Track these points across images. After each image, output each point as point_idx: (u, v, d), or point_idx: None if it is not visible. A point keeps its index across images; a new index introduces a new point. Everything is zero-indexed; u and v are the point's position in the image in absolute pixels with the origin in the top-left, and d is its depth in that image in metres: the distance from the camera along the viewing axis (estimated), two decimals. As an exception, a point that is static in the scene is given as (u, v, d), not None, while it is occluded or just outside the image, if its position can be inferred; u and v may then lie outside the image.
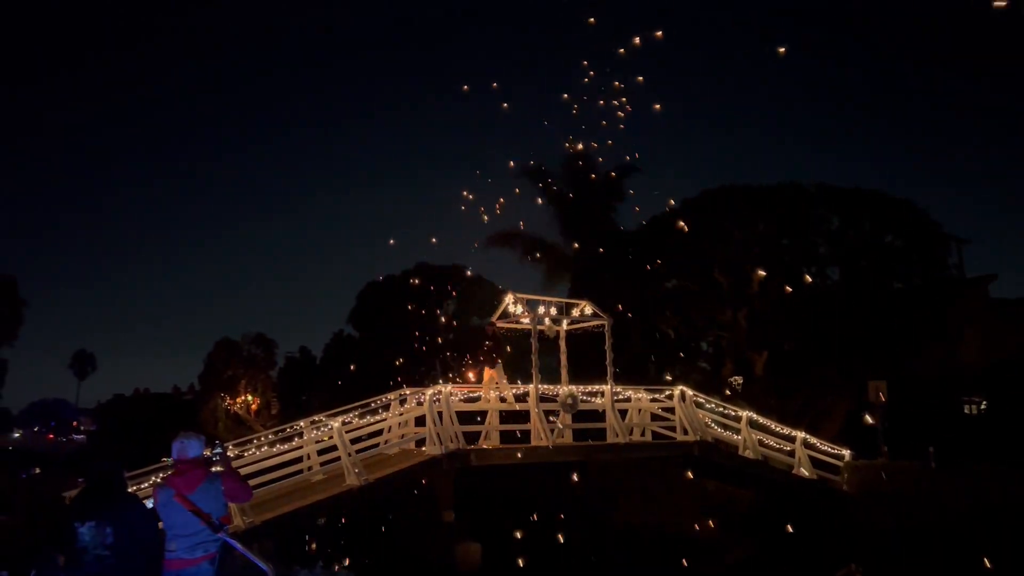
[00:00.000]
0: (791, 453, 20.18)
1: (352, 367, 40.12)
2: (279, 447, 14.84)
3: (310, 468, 15.36)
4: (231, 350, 45.75)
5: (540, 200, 34.22)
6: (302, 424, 15.67)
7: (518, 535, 18.54)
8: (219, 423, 42.62)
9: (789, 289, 26.78)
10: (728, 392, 26.31)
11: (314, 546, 19.55)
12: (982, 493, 17.66)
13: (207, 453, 6.62)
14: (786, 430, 20.51)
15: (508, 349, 19.27)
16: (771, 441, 20.28)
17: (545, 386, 18.02)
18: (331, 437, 15.07)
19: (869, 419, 21.41)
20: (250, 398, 45.74)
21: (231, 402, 44.71)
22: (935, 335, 25.79)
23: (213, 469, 6.50)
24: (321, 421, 15.51)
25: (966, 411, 27.14)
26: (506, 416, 18.30)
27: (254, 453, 14.43)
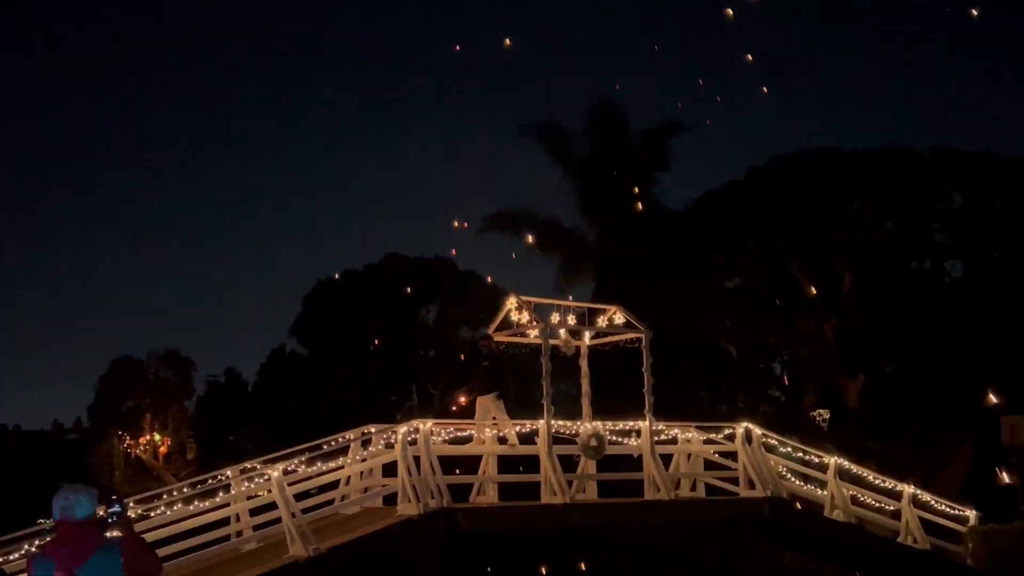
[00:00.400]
0: (896, 514, 20.19)
1: (297, 396, 40.28)
2: (198, 504, 14.84)
3: (240, 533, 15.33)
4: (132, 373, 45.96)
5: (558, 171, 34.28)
6: (229, 473, 15.66)
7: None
8: (116, 471, 42.79)
9: (894, 291, 26.87)
10: (810, 431, 26.36)
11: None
12: None
13: (101, 513, 6.62)
14: (889, 483, 20.51)
15: (510, 372, 19.30)
16: (869, 498, 20.28)
17: (561, 422, 18.02)
18: (269, 491, 15.06)
19: (1005, 476, 21.46)
20: (158, 438, 45.92)
21: (132, 443, 44.90)
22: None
23: (108, 534, 6.51)
24: (255, 470, 15.49)
25: None
26: (507, 463, 18.26)
27: (164, 513, 14.42)
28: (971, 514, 20.56)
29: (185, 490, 15.34)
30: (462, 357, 20.06)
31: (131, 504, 13.49)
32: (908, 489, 20.25)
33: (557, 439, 17.58)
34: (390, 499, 16.49)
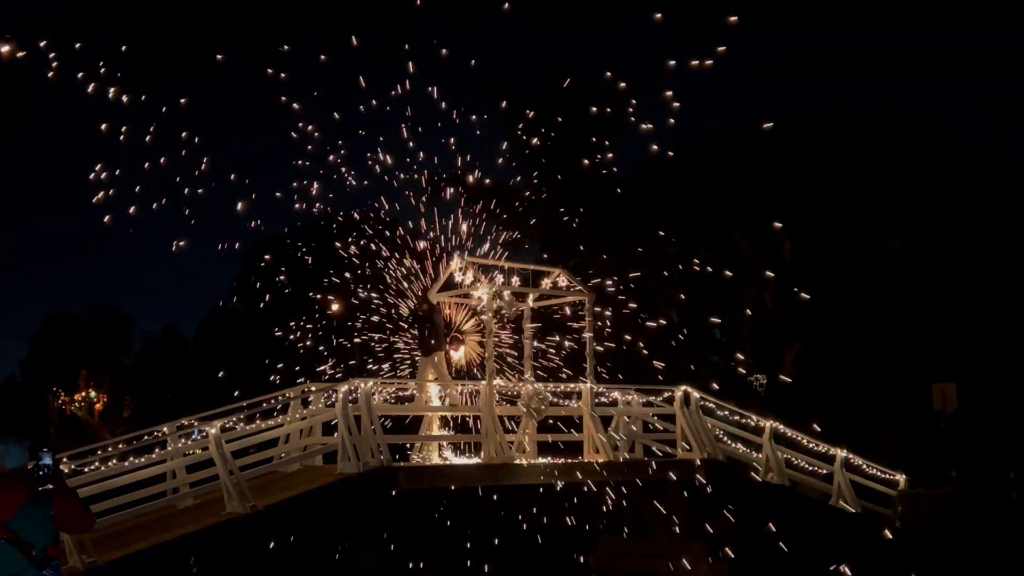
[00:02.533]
0: (828, 478, 20.61)
1: (237, 354, 39.93)
2: (133, 460, 14.70)
3: (176, 490, 15.24)
4: (68, 329, 45.21)
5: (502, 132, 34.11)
6: (166, 430, 15.53)
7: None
8: (50, 427, 42.12)
9: (834, 260, 27.25)
10: (748, 395, 26.74)
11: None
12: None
13: (31, 465, 6.54)
14: (823, 447, 20.92)
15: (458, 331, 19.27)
16: (802, 462, 20.66)
17: (503, 383, 18.11)
18: (206, 448, 14.96)
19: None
20: (94, 395, 45.31)
21: (67, 400, 44.26)
22: None
23: (40, 487, 6.42)
24: (193, 426, 15.37)
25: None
26: (449, 423, 18.33)
27: (98, 468, 14.27)
28: (901, 478, 21.08)
29: (121, 446, 15.20)
30: (407, 317, 19.92)
31: (64, 459, 13.32)
32: (840, 453, 20.67)
33: (499, 399, 17.67)
34: (331, 458, 16.49)
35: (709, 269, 28.38)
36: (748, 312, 28.07)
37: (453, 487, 17.85)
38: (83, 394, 45.32)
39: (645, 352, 25.29)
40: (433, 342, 17.96)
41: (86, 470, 14.05)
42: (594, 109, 33.75)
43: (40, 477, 6.42)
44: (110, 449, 15.11)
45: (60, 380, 44.28)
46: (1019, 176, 28.60)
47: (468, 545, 21.77)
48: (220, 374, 37.34)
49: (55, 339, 44.96)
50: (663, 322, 28.69)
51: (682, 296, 28.79)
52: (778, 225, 27.34)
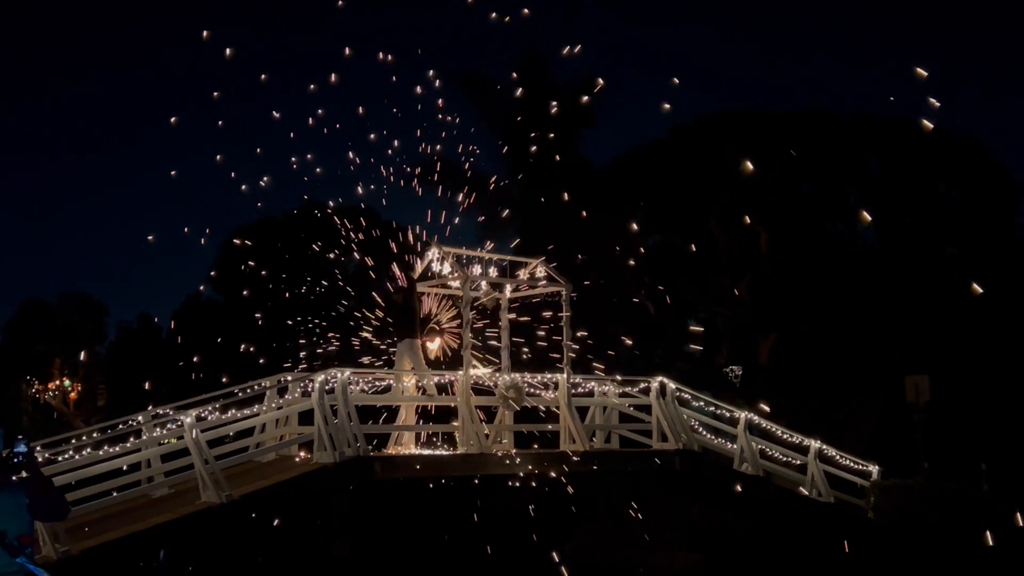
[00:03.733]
0: (802, 468, 20.77)
1: (212, 343, 39.71)
2: (108, 449, 14.61)
3: (151, 479, 15.16)
4: (42, 317, 44.85)
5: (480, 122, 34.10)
6: (141, 419, 15.44)
7: (438, 572, 18.75)
8: (23, 416, 41.77)
9: (809, 252, 27.41)
10: (723, 386, 26.88)
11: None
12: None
13: (5, 453, 6.49)
14: (797, 438, 21.07)
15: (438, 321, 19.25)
16: (777, 452, 20.81)
17: (480, 372, 18.12)
18: (181, 438, 14.89)
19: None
20: (68, 383, 45.00)
21: (41, 388, 43.94)
22: (997, 318, 26.71)
23: (14, 475, 6.38)
24: (168, 416, 15.29)
25: (1031, 419, 28.26)
26: (426, 413, 18.32)
27: (72, 457, 14.18)
28: (874, 469, 21.26)
29: (96, 435, 15.10)
30: (379, 305, 19.85)
31: (38, 447, 13.23)
32: (815, 444, 20.82)
33: (476, 390, 17.68)
34: (307, 447, 16.46)
35: (685, 260, 28.53)
36: (723, 304, 28.19)
37: (429, 477, 17.88)
38: (57, 383, 45.00)
39: (624, 343, 25.41)
40: (408, 330, 17.93)
41: (60, 459, 13.96)
42: (568, 99, 33.86)
43: (14, 465, 6.38)
44: (84, 438, 15.02)
45: (34, 369, 43.93)
46: (991, 170, 28.86)
47: (444, 536, 21.83)
48: (195, 358, 37.18)
49: (29, 327, 44.58)
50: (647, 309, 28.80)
51: (659, 287, 28.89)
52: (748, 220, 27.49)
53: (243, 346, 34.04)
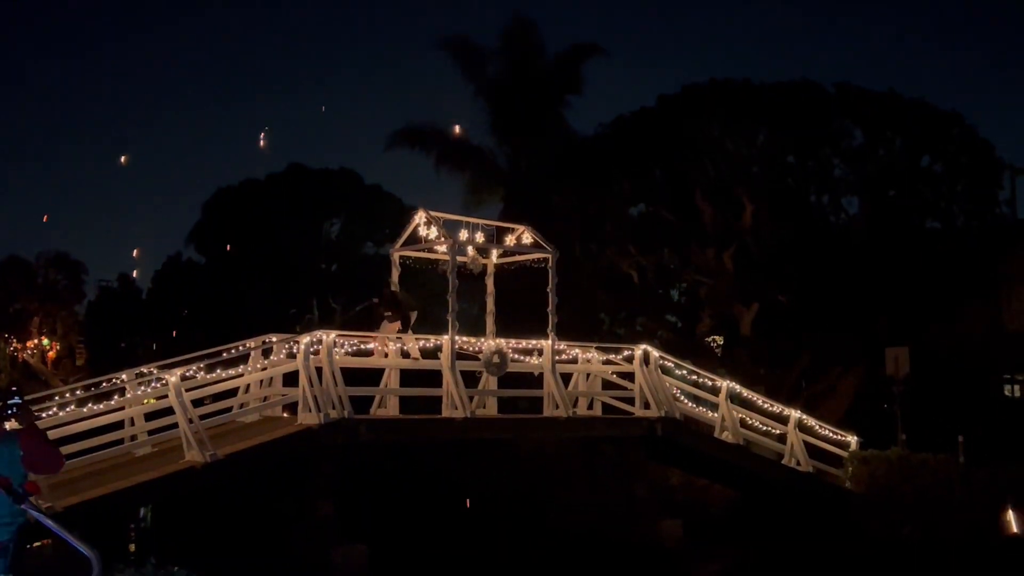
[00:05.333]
0: (782, 438, 20.95)
1: (193, 305, 39.58)
2: (92, 407, 14.59)
3: (134, 438, 15.18)
4: (20, 275, 44.49)
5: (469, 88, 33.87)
6: (124, 377, 15.43)
7: (418, 535, 18.86)
8: (1, 374, 41.59)
9: (792, 223, 27.47)
10: (705, 356, 27.03)
11: (134, 546, 19.50)
12: (1022, 495, 18.75)
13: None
14: (777, 408, 21.25)
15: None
16: (756, 421, 20.99)
17: (464, 339, 18.15)
18: (161, 398, 14.88)
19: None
20: (46, 342, 44.72)
21: (19, 347, 43.66)
22: (976, 293, 26.92)
23: (7, 426, 6.38)
24: (152, 375, 15.28)
25: (1007, 392, 28.61)
26: (409, 377, 18.37)
27: (55, 414, 14.16)
28: (852, 440, 21.47)
29: (79, 393, 15.08)
30: (367, 270, 19.86)
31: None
32: (794, 414, 21.01)
33: (460, 355, 17.73)
34: (291, 408, 16.49)
35: (669, 229, 28.56)
36: (706, 273, 28.25)
37: (413, 440, 17.91)
38: (35, 341, 44.72)
39: (608, 311, 25.47)
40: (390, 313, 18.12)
41: (43, 416, 13.93)
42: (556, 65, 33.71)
43: (8, 416, 6.37)
44: (67, 396, 15.00)
45: (11, 327, 43.63)
46: (976, 146, 28.95)
47: (424, 498, 21.94)
48: (183, 312, 37.03)
49: (6, 285, 44.25)
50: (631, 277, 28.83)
51: (643, 257, 28.93)
52: (733, 191, 27.51)
53: (223, 308, 34.00)
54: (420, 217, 18.34)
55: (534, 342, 18.92)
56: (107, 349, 42.27)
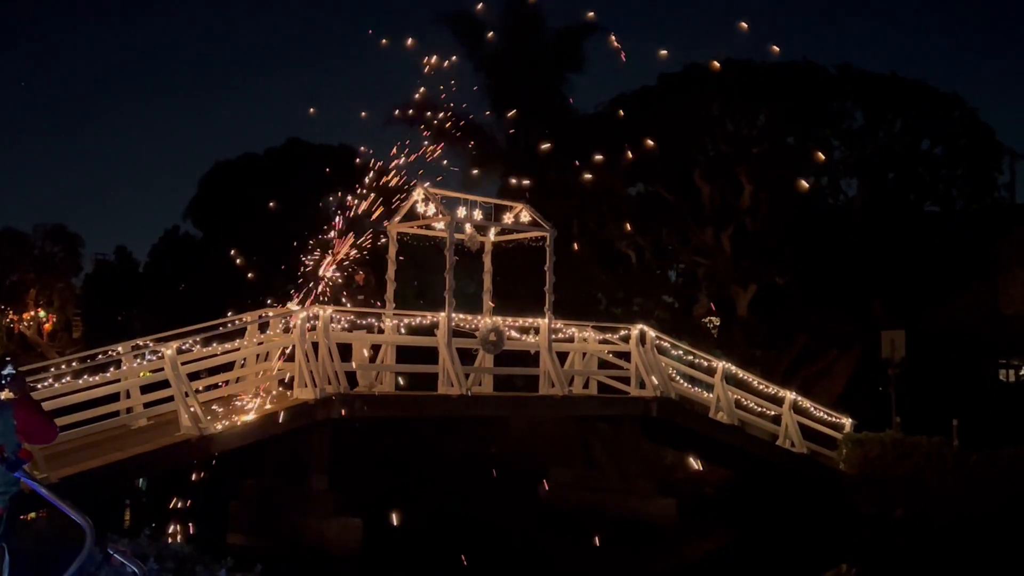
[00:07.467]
0: (777, 419, 21.01)
1: (190, 278, 39.50)
2: (88, 379, 14.58)
3: (130, 410, 15.18)
4: (17, 247, 44.46)
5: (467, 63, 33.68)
6: (120, 350, 15.41)
7: (413, 510, 18.90)
8: (-3, 346, 41.65)
9: (791, 205, 27.43)
10: (701, 336, 27.02)
11: (129, 517, 19.54)
12: (1016, 480, 18.80)
13: (-7, 376, 6.46)
14: (772, 389, 21.29)
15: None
16: (752, 402, 21.03)
17: (461, 316, 18.14)
18: (161, 370, 14.89)
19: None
20: (43, 314, 44.71)
21: (15, 318, 43.66)
22: (973, 277, 26.93)
23: (1, 396, 6.37)
24: (148, 347, 15.27)
25: (1002, 377, 28.66)
26: (406, 353, 18.39)
27: (51, 386, 14.15)
28: (847, 422, 21.53)
29: (74, 364, 15.07)
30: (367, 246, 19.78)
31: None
32: (789, 396, 21.05)
33: (457, 332, 17.72)
34: (286, 383, 16.49)
35: (667, 209, 28.51)
36: (704, 254, 28.24)
37: (408, 416, 17.91)
38: (32, 313, 44.70)
39: (605, 290, 25.40)
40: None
41: (39, 387, 13.92)
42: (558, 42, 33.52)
43: (2, 386, 6.36)
44: (63, 367, 14.98)
45: (8, 299, 43.63)
46: (976, 129, 28.90)
47: (421, 474, 22.00)
48: (180, 287, 36.91)
49: (3, 257, 44.21)
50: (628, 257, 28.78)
51: (639, 240, 28.89)
52: (733, 172, 27.43)
53: (221, 281, 33.89)
54: (419, 193, 18.30)
55: (531, 320, 18.93)
56: (104, 322, 42.25)
